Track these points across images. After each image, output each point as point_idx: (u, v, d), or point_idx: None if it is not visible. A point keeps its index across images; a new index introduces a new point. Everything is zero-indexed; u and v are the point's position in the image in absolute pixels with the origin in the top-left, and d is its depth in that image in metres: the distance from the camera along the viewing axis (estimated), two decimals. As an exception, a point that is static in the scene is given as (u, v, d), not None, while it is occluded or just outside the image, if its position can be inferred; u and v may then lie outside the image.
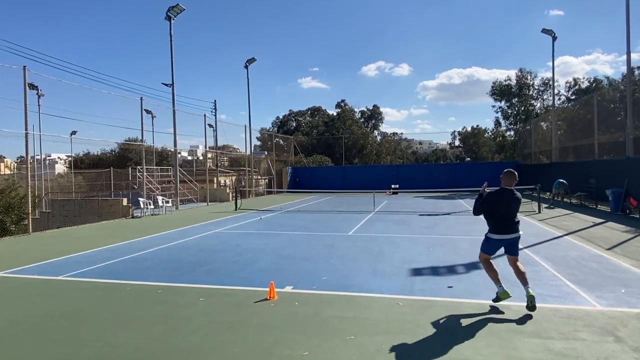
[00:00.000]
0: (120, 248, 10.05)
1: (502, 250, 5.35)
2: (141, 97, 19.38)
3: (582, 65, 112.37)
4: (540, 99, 42.70)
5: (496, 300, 5.27)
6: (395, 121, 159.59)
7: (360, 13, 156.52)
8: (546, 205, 19.74)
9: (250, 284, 6.52)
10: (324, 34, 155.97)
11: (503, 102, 43.35)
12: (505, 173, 5.39)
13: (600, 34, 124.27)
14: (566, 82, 42.21)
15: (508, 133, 45.94)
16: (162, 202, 19.70)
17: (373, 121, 56.53)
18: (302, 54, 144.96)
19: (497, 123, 45.33)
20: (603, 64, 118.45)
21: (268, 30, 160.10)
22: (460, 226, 12.80)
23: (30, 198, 14.16)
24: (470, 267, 7.39)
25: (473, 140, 48.82)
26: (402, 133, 64.36)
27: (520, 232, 5.32)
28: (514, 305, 5.26)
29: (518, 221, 5.31)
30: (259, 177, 34.28)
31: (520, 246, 5.50)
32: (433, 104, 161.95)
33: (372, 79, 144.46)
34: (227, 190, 27.91)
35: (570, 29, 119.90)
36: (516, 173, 5.40)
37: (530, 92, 42.40)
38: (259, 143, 47.14)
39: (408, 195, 28.07)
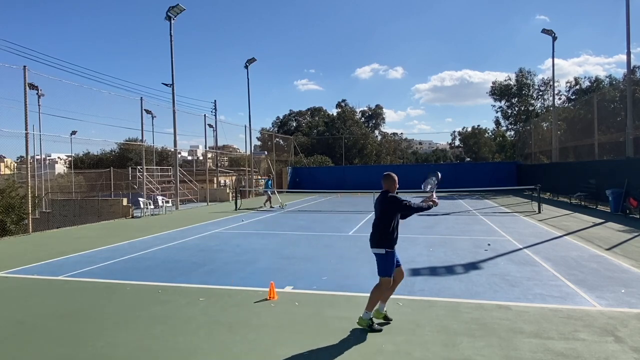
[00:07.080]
0: (120, 248, 10.05)
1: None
2: (141, 97, 19.46)
3: (574, 67, 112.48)
4: (540, 99, 42.74)
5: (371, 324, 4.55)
6: (393, 122, 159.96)
7: (353, 15, 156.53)
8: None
9: (250, 284, 6.52)
10: (317, 36, 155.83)
11: (503, 102, 43.38)
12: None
13: (588, 35, 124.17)
14: (566, 82, 42.27)
15: (508, 133, 45.97)
16: (162, 202, 19.70)
17: (374, 121, 56.52)
18: (298, 56, 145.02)
19: (497, 123, 45.39)
20: (594, 66, 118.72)
21: (266, 31, 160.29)
22: (460, 226, 12.80)
23: (30, 198, 14.17)
24: (470, 267, 7.39)
25: (473, 140, 48.86)
26: (402, 133, 64.27)
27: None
28: (514, 305, 5.26)
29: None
30: (259, 177, 34.27)
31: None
32: (429, 105, 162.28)
33: (366, 81, 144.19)
34: (227, 190, 27.92)
35: (558, 32, 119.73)
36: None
37: (530, 92, 42.41)
38: (259, 143, 47.17)
39: (408, 195, 28.06)
